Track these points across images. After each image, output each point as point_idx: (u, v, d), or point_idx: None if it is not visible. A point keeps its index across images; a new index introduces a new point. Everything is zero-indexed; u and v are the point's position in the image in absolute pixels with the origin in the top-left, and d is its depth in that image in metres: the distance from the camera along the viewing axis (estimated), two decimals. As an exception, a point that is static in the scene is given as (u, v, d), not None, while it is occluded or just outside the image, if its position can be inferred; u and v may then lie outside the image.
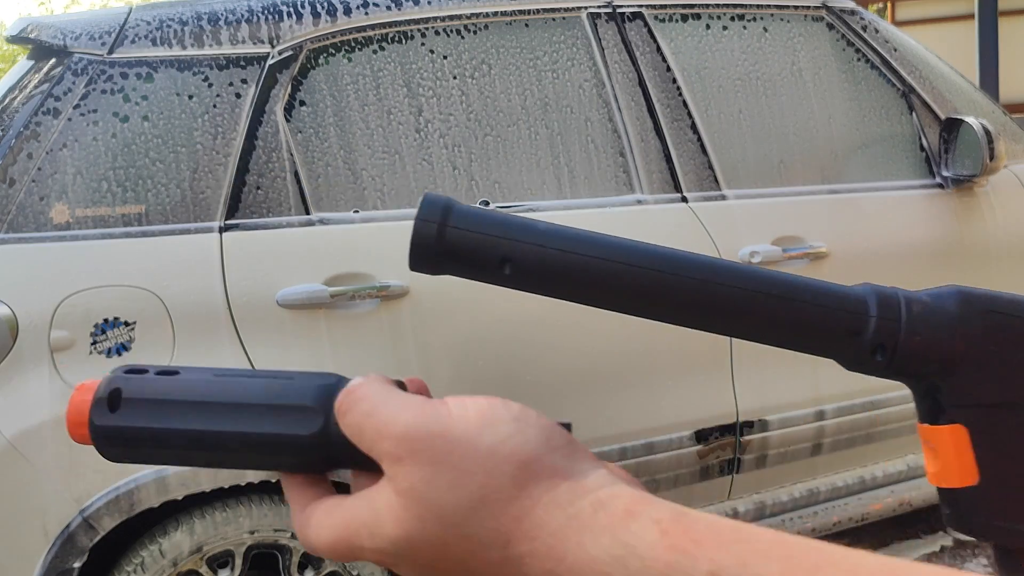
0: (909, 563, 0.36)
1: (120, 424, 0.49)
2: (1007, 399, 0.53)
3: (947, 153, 2.93)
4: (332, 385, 0.48)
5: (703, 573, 0.37)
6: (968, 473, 0.53)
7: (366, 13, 2.37)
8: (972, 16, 11.77)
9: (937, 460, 0.54)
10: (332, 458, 0.48)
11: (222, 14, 2.26)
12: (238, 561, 2.14)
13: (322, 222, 2.23)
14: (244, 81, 2.23)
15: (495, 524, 0.41)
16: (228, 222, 2.16)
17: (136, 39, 2.19)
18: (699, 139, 2.65)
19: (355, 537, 0.44)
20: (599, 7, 2.63)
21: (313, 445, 0.48)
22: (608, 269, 0.52)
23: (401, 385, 0.48)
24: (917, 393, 0.55)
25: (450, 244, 0.52)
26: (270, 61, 2.26)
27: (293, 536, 2.17)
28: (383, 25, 2.39)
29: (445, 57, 2.43)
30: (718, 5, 2.79)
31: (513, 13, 2.53)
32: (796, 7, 2.89)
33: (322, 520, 0.46)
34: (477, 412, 0.43)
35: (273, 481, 2.19)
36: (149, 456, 0.50)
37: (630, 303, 0.53)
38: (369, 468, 0.46)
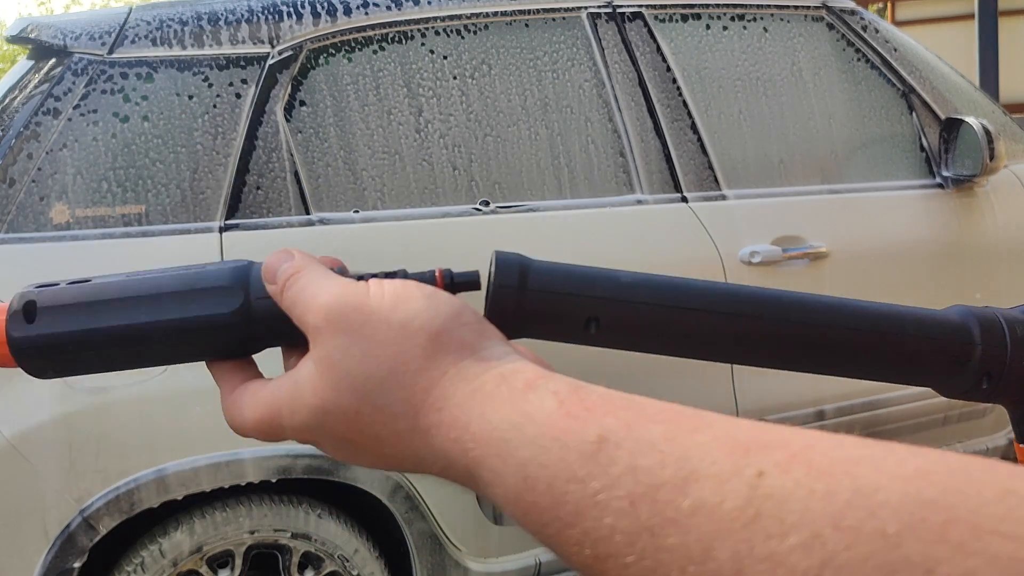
0: (780, 425, 0.37)
1: (40, 333, 0.48)
2: None
3: (947, 153, 2.93)
4: (244, 267, 0.49)
5: (592, 435, 0.38)
6: None
7: (366, 13, 2.37)
8: (972, 16, 11.77)
9: None
10: (255, 336, 0.48)
11: (222, 14, 2.26)
12: (238, 561, 2.14)
13: (322, 222, 2.23)
14: (244, 81, 2.23)
15: (405, 395, 0.44)
16: (228, 222, 2.16)
17: (136, 39, 2.19)
18: (699, 139, 2.65)
19: (276, 416, 0.48)
20: (599, 7, 2.63)
21: (234, 323, 0.48)
22: (703, 320, 0.49)
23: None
24: (1016, 414, 0.53)
25: (531, 308, 0.49)
26: (270, 61, 2.26)
27: (293, 536, 2.17)
28: (383, 25, 2.39)
29: (445, 57, 2.43)
30: (718, 5, 2.79)
31: (513, 13, 2.53)
32: (796, 7, 2.89)
33: (247, 401, 0.50)
34: (392, 290, 0.46)
35: (273, 481, 2.19)
36: (73, 364, 0.49)
37: (729, 352, 0.51)
38: (296, 344, 0.47)
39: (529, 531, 0.40)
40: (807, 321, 0.50)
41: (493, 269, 0.49)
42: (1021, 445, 0.54)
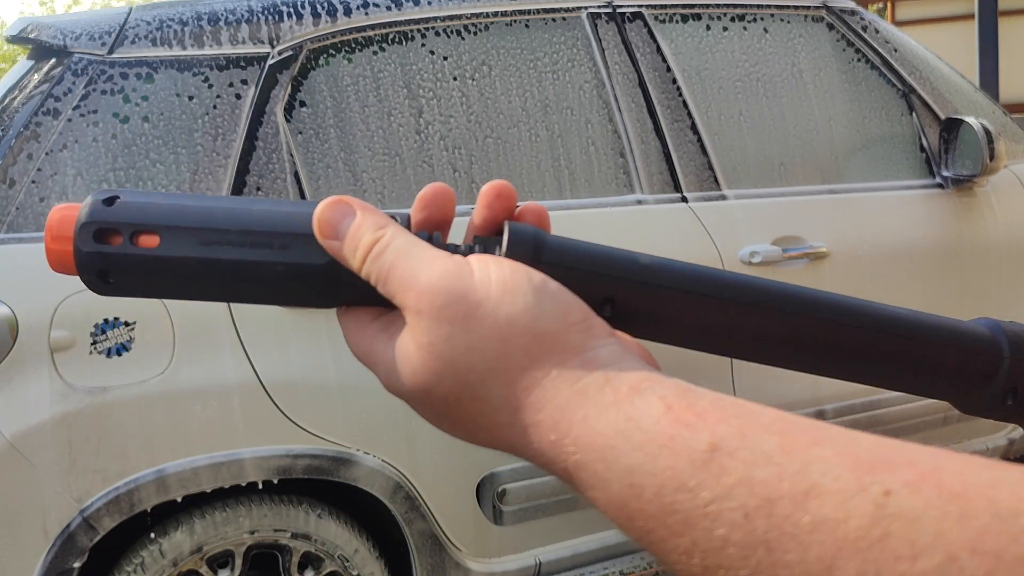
0: (902, 442, 0.36)
1: (121, 253, 0.45)
2: None
3: (947, 153, 2.93)
4: None
5: (703, 444, 0.38)
6: None
7: (366, 13, 2.37)
8: (972, 16, 11.77)
9: None
10: (343, 293, 0.46)
11: (222, 14, 2.26)
12: (238, 561, 2.14)
13: (322, 222, 2.23)
14: (244, 81, 2.23)
15: (506, 391, 0.43)
16: (228, 222, 2.16)
17: (136, 39, 2.19)
18: (699, 139, 2.65)
19: (378, 373, 0.47)
20: (599, 7, 2.63)
21: (324, 276, 0.46)
22: (722, 309, 0.48)
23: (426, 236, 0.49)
24: None
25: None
26: (270, 61, 2.26)
27: (293, 536, 2.17)
28: (383, 25, 2.39)
29: (445, 58, 2.43)
30: (718, 6, 2.79)
31: (513, 13, 2.53)
32: (796, 7, 2.89)
33: (355, 340, 0.48)
34: (499, 279, 0.44)
35: (275, 482, 2.19)
36: (148, 287, 0.47)
37: (749, 347, 0.48)
38: (387, 306, 0.45)
39: (632, 536, 0.39)
40: (829, 318, 0.47)
41: (505, 240, 0.47)
42: None
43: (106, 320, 2.02)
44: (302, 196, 2.23)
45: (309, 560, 2.21)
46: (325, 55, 2.32)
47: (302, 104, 2.28)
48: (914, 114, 2.96)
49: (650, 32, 2.67)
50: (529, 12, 2.54)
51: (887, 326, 0.48)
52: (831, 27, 2.93)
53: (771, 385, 2.63)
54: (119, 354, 2.02)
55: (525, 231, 0.48)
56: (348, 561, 2.22)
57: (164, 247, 0.46)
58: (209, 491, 2.10)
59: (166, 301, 2.06)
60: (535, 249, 0.47)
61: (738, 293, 0.48)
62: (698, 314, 0.48)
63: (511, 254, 0.46)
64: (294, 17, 2.31)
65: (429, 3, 2.44)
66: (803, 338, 0.48)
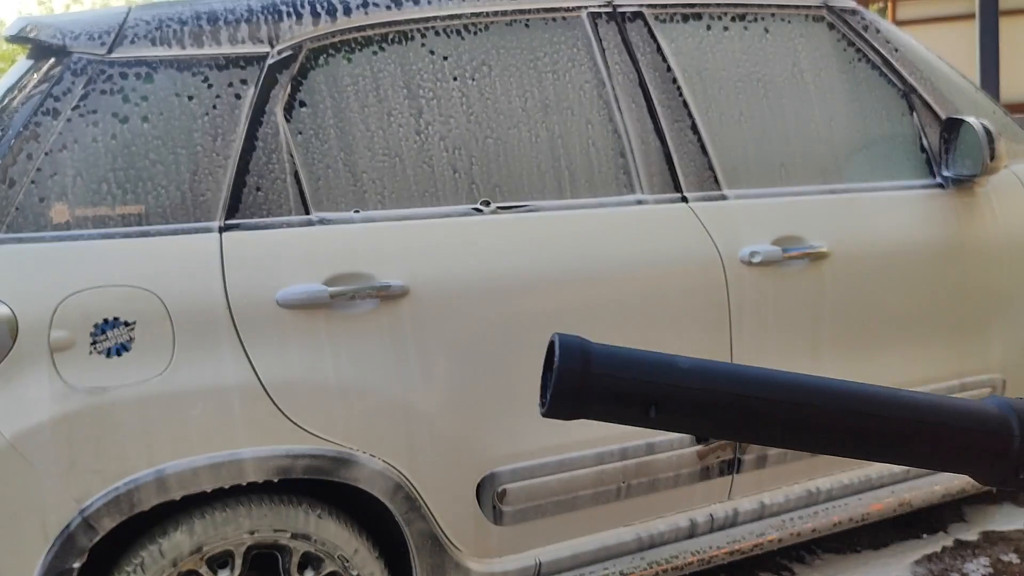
0: None
1: None
2: None
3: (947, 153, 2.92)
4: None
5: None
6: None
7: (366, 13, 2.37)
8: (972, 16, 11.77)
9: None
10: None
11: (222, 14, 2.26)
12: (238, 561, 2.14)
13: (322, 222, 2.23)
14: (244, 81, 2.23)
15: None
16: (228, 222, 2.16)
17: (135, 39, 2.19)
18: (699, 139, 2.65)
19: None
20: (599, 7, 2.63)
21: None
22: (755, 406, 0.51)
23: None
24: None
25: (594, 390, 0.50)
26: (270, 61, 2.26)
27: (293, 536, 2.17)
28: (383, 25, 2.38)
29: (445, 58, 2.43)
30: (719, 5, 2.78)
31: (513, 13, 2.52)
32: (797, 7, 2.89)
33: None
34: None
35: (275, 481, 2.19)
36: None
37: (777, 437, 0.52)
38: None
39: None
40: (855, 409, 0.51)
41: (557, 351, 0.50)
42: None
43: (106, 320, 2.01)
44: (302, 196, 2.23)
45: (309, 560, 2.21)
46: (325, 55, 2.32)
47: (302, 104, 2.28)
48: (914, 114, 2.96)
49: (650, 32, 2.67)
50: (529, 12, 2.54)
51: (906, 412, 0.51)
52: (832, 27, 2.92)
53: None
54: (119, 354, 2.02)
55: (574, 340, 0.51)
56: (348, 561, 2.22)
57: None
58: (209, 491, 2.10)
59: (165, 301, 2.06)
60: (584, 358, 0.50)
61: (769, 390, 0.51)
62: (734, 411, 0.50)
63: (563, 360, 0.49)
64: (294, 17, 2.30)
65: (429, 3, 2.44)
66: (830, 426, 0.51)
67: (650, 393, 0.49)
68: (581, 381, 0.49)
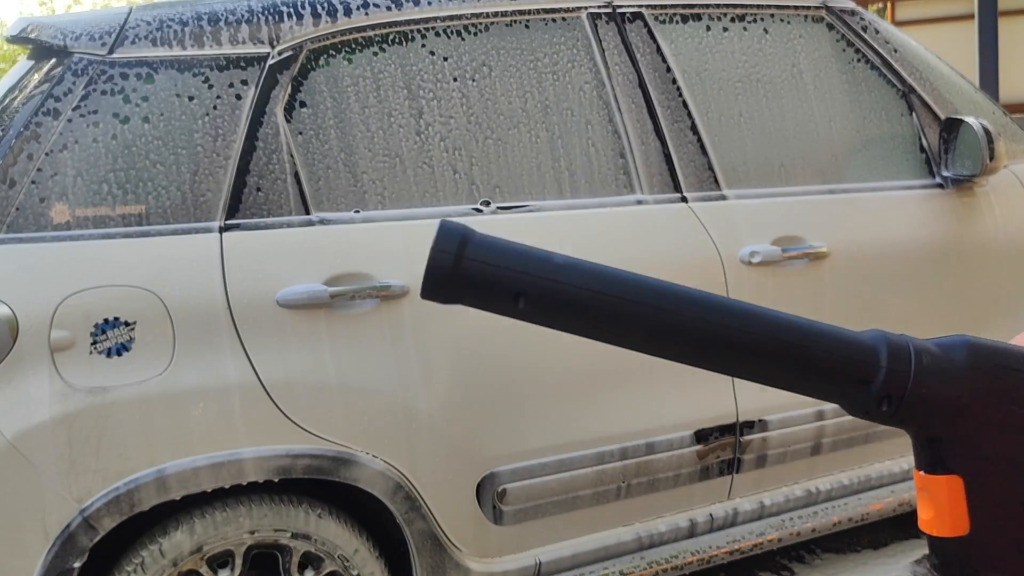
0: None
1: None
2: (1007, 453, 0.52)
3: (947, 153, 2.93)
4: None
5: None
6: (960, 523, 0.52)
7: (366, 13, 2.37)
8: (972, 16, 11.77)
9: (931, 508, 0.53)
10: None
11: (222, 14, 2.26)
12: (238, 561, 2.14)
13: (322, 222, 2.23)
14: (244, 82, 2.23)
15: None
16: (228, 222, 2.16)
17: (136, 39, 2.19)
18: (699, 140, 2.65)
19: None
20: (599, 8, 2.63)
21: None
22: (624, 308, 0.51)
23: None
24: (917, 442, 0.54)
25: (466, 275, 0.51)
26: (270, 62, 2.26)
27: (293, 536, 2.17)
28: (383, 25, 2.39)
29: (445, 58, 2.43)
30: (718, 6, 2.79)
31: (513, 14, 2.53)
32: (796, 8, 2.89)
33: None
34: None
35: (275, 481, 2.19)
36: None
37: (644, 343, 0.52)
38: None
39: None
40: (722, 322, 0.51)
41: (435, 234, 0.51)
42: (920, 473, 0.55)
43: (106, 320, 2.02)
44: (302, 196, 2.23)
45: (309, 560, 2.21)
46: (325, 55, 2.32)
47: (302, 104, 2.28)
48: (914, 114, 2.96)
49: (650, 32, 2.67)
50: (529, 12, 2.54)
51: (773, 330, 0.51)
52: (831, 27, 2.93)
53: (771, 385, 2.63)
54: (119, 354, 2.02)
55: (455, 228, 0.51)
56: (348, 561, 2.22)
57: None
58: (209, 491, 2.10)
59: (165, 300, 2.06)
60: (461, 243, 0.50)
61: (642, 295, 0.50)
62: (602, 311, 0.50)
63: (438, 247, 0.50)
64: (294, 17, 2.31)
65: (429, 3, 2.44)
66: (696, 338, 0.51)
67: (520, 284, 0.49)
68: (454, 266, 0.49)
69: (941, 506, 0.53)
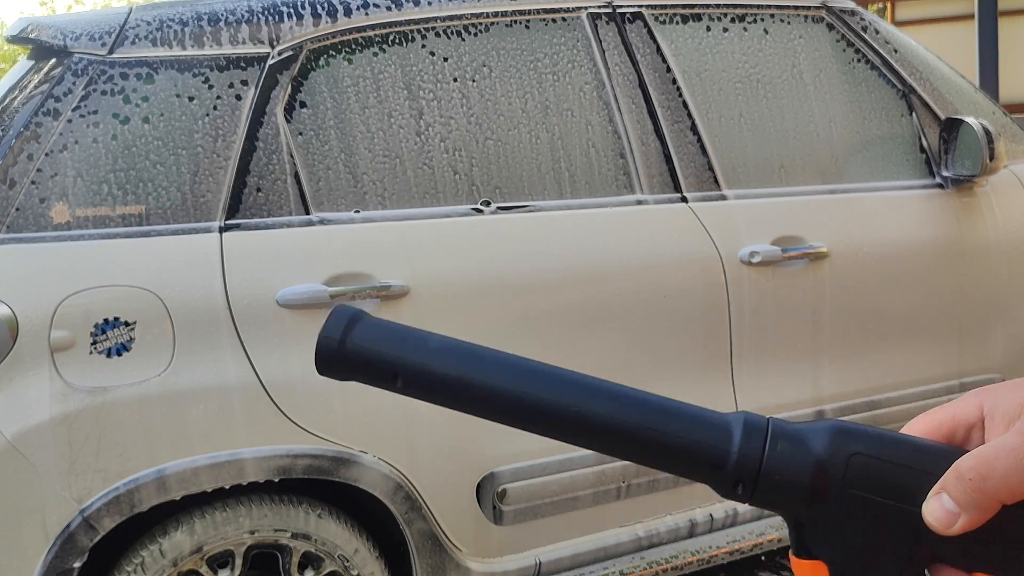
0: None
1: None
2: (869, 542, 0.53)
3: (947, 153, 2.93)
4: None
5: None
6: None
7: (366, 14, 2.37)
8: (972, 16, 11.78)
9: None
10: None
11: (222, 15, 2.26)
12: (238, 561, 2.14)
13: (322, 222, 2.23)
14: (244, 82, 2.23)
15: None
16: (228, 222, 2.16)
17: (136, 39, 2.19)
18: (699, 140, 2.65)
19: None
20: (599, 8, 2.63)
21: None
22: (487, 389, 0.55)
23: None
24: (788, 525, 0.55)
25: (349, 357, 0.56)
26: (270, 62, 2.26)
27: (293, 536, 2.17)
28: (383, 26, 2.39)
29: (446, 59, 2.43)
30: (718, 6, 2.79)
31: (513, 14, 2.53)
32: (796, 8, 2.89)
33: None
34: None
35: (276, 481, 2.19)
36: None
37: (509, 420, 0.56)
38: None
39: None
40: (581, 403, 0.55)
41: (325, 320, 0.55)
42: (791, 555, 0.55)
43: (106, 320, 2.02)
44: (302, 196, 2.23)
45: (309, 560, 2.21)
46: (325, 55, 2.32)
47: (302, 105, 2.28)
48: (914, 114, 2.96)
49: (650, 33, 2.67)
50: (529, 12, 2.54)
51: (633, 414, 0.54)
52: (831, 27, 2.93)
53: (771, 385, 2.63)
54: (119, 354, 2.02)
55: (345, 310, 0.57)
56: (348, 561, 2.22)
57: None
58: (209, 491, 2.10)
59: (165, 300, 2.06)
60: (346, 328, 0.55)
61: (505, 378, 0.56)
62: (467, 394, 0.56)
63: (325, 329, 0.55)
64: (294, 17, 2.31)
65: (429, 3, 2.44)
66: (555, 420, 0.55)
67: (397, 367, 0.54)
68: (339, 346, 0.54)
69: None
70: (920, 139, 2.95)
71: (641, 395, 0.54)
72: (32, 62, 2.26)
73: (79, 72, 2.14)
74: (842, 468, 0.51)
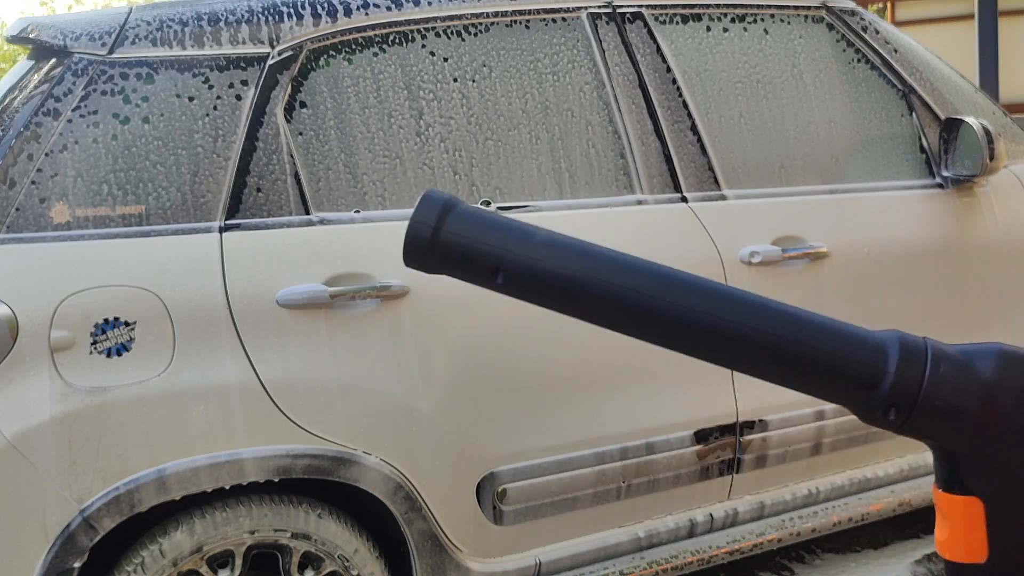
0: None
1: None
2: None
3: (947, 153, 2.93)
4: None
5: None
6: (977, 549, 0.48)
7: (366, 14, 2.37)
8: (972, 16, 11.78)
9: (946, 529, 0.49)
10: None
11: (222, 15, 2.26)
12: (238, 561, 2.14)
13: (322, 222, 2.23)
14: (244, 82, 2.23)
15: None
16: (228, 222, 2.16)
17: (136, 39, 2.19)
18: (699, 140, 2.65)
19: None
20: (599, 8, 2.63)
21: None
22: (610, 292, 0.48)
23: None
24: (936, 455, 0.50)
25: (444, 248, 0.49)
26: (270, 62, 2.26)
27: (293, 536, 2.17)
28: (383, 26, 2.39)
29: (446, 59, 2.43)
30: (718, 6, 2.79)
31: (513, 14, 2.53)
32: (796, 8, 2.89)
33: None
34: None
35: (276, 481, 2.19)
36: None
37: (630, 328, 0.49)
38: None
39: None
40: (717, 312, 0.48)
41: (418, 201, 0.49)
42: (938, 490, 0.51)
43: (106, 320, 2.02)
44: (302, 196, 2.23)
45: (309, 560, 2.21)
46: (325, 55, 2.32)
47: (302, 105, 2.28)
48: (914, 114, 2.96)
49: (650, 33, 2.67)
50: (529, 12, 2.54)
51: (773, 324, 0.47)
52: (831, 27, 2.93)
53: (771, 385, 2.63)
54: (119, 354, 2.02)
55: (437, 196, 0.49)
56: (348, 561, 2.23)
57: None
58: (209, 491, 2.10)
59: (165, 301, 2.06)
60: (441, 214, 0.48)
61: (631, 279, 0.47)
62: (585, 294, 0.48)
63: (417, 213, 0.48)
64: (294, 17, 2.31)
65: (429, 3, 2.44)
66: (688, 328, 0.48)
67: (499, 260, 0.49)
68: (432, 238, 0.49)
69: (957, 529, 0.49)
70: (920, 139, 2.95)
71: (784, 307, 0.47)
72: (32, 62, 2.26)
73: (79, 72, 2.14)
74: (1015, 396, 0.45)
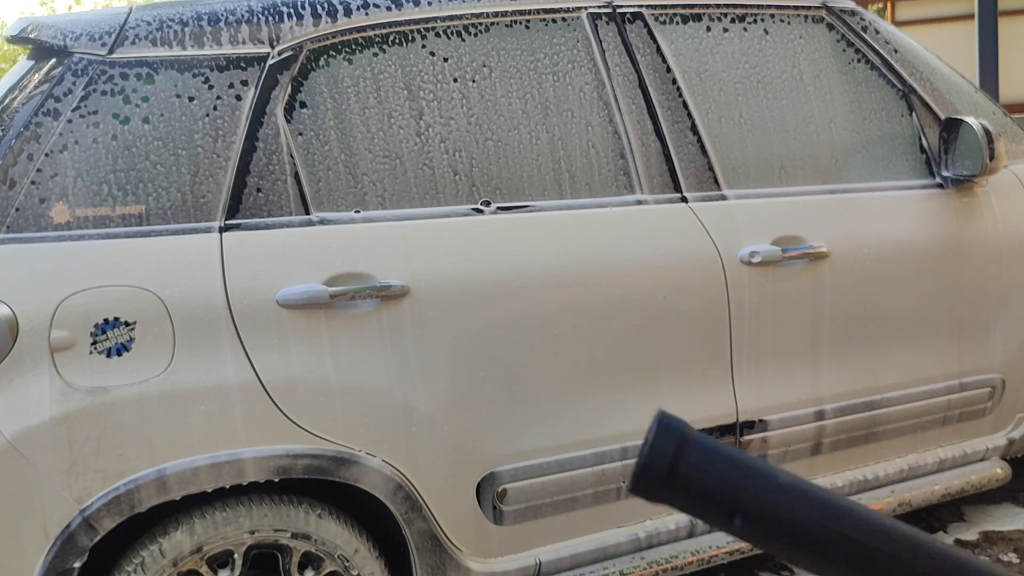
0: None
1: None
2: None
3: (947, 153, 2.93)
4: None
5: None
6: None
7: (366, 14, 2.37)
8: (972, 16, 11.78)
9: None
10: None
11: (222, 15, 2.26)
12: (238, 561, 2.14)
13: (322, 222, 2.23)
14: (244, 82, 2.23)
15: None
16: (228, 222, 2.16)
17: (136, 39, 2.19)
18: (699, 140, 2.65)
19: None
20: (599, 8, 2.63)
21: None
22: (857, 551, 0.45)
23: None
24: None
25: (682, 482, 0.46)
26: (270, 62, 2.26)
27: (293, 536, 2.17)
28: (383, 26, 2.39)
29: (446, 59, 2.43)
30: (718, 6, 2.79)
31: (513, 14, 2.53)
32: (796, 8, 2.89)
33: None
34: None
35: (276, 481, 2.19)
36: None
37: None
38: None
39: None
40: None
41: (652, 430, 0.46)
42: None
43: (106, 320, 2.02)
44: (302, 196, 2.23)
45: (309, 560, 2.21)
46: (325, 56, 2.32)
47: (302, 105, 2.28)
48: (914, 114, 2.96)
49: (650, 33, 2.67)
50: (529, 12, 2.54)
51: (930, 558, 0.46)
52: (831, 27, 2.93)
53: (770, 385, 2.63)
54: (119, 354, 2.02)
55: (672, 425, 0.46)
56: (348, 561, 2.23)
57: None
58: (209, 491, 2.10)
59: (165, 301, 2.06)
60: (679, 444, 0.46)
61: (871, 535, 0.44)
62: (828, 547, 0.45)
63: (657, 440, 0.45)
64: (294, 17, 2.31)
65: (429, 3, 2.44)
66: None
67: (738, 502, 0.45)
68: (669, 469, 0.45)
69: None
70: (920, 139, 2.95)
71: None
72: (32, 62, 2.26)
73: (79, 72, 2.14)
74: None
